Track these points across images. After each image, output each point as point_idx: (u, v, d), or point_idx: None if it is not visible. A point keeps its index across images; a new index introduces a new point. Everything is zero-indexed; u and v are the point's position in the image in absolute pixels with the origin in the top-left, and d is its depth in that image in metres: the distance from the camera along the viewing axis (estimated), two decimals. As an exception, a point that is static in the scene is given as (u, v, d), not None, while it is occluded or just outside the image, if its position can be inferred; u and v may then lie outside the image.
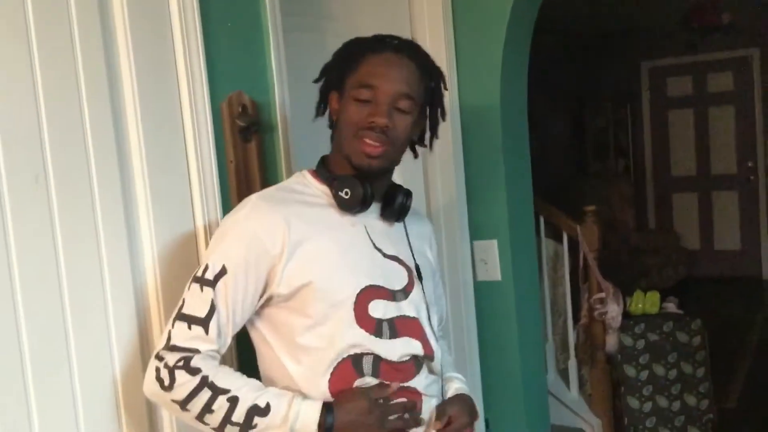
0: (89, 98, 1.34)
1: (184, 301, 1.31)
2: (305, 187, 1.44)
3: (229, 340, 1.33)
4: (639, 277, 6.05)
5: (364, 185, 1.38)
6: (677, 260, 6.84)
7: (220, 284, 1.29)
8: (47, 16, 1.27)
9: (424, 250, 1.56)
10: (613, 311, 3.47)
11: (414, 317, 1.43)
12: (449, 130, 2.41)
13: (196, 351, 1.28)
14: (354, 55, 1.41)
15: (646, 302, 3.64)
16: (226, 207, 1.54)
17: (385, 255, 1.43)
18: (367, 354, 1.35)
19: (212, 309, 1.29)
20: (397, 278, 1.43)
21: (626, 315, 3.57)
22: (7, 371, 1.19)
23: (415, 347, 1.41)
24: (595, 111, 7.42)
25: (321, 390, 1.33)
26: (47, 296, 1.25)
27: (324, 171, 1.44)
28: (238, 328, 1.35)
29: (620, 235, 6.54)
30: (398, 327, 1.39)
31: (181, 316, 1.30)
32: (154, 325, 1.45)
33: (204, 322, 1.28)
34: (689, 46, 6.90)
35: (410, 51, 1.43)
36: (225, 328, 1.31)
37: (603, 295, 3.48)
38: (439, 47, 2.38)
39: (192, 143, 1.54)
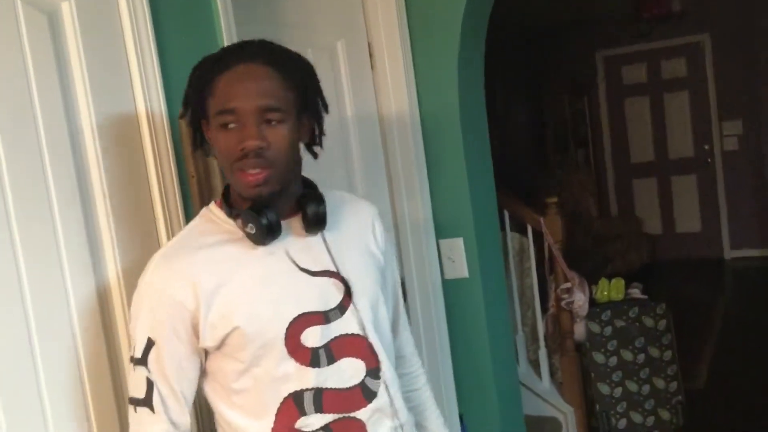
0: (45, 122, 1.33)
1: (129, 384, 1.30)
2: (213, 224, 1.32)
3: (184, 408, 1.28)
4: (604, 264, 6.14)
5: (266, 216, 1.25)
6: (640, 245, 6.95)
7: (150, 358, 1.24)
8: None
9: (366, 241, 1.44)
10: (580, 300, 3.53)
11: (355, 333, 1.33)
12: (409, 133, 2.44)
13: None
14: (207, 77, 1.26)
15: (611, 289, 3.71)
16: (190, 221, 1.54)
17: (313, 273, 1.31)
18: (308, 390, 1.28)
19: (149, 386, 1.24)
20: (331, 295, 1.32)
21: (592, 303, 3.64)
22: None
23: (356, 367, 1.32)
24: (554, 103, 7.50)
25: None
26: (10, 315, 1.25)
27: (226, 205, 1.33)
28: (190, 393, 1.29)
29: (583, 224, 6.63)
30: (334, 350, 1.30)
31: (130, 400, 1.28)
32: (122, 336, 1.45)
33: (146, 402, 1.25)
34: (642, 34, 7.02)
35: (264, 55, 1.26)
36: (170, 399, 1.25)
37: (569, 285, 3.53)
38: (395, 53, 2.41)
39: (152, 159, 1.55)
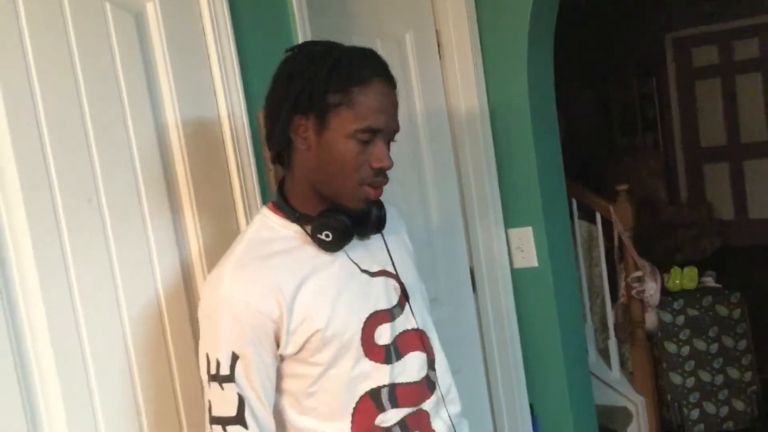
0: (134, 123, 1.39)
1: (210, 403, 1.23)
2: (272, 231, 1.30)
3: (273, 420, 1.27)
4: (674, 252, 6.01)
5: (348, 225, 1.27)
6: (711, 232, 6.79)
7: (238, 373, 1.21)
8: (91, 50, 1.32)
9: (405, 240, 1.50)
10: (651, 289, 3.47)
11: (414, 328, 1.38)
12: (478, 123, 2.44)
13: None
14: (339, 83, 1.23)
15: (684, 278, 3.64)
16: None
17: (372, 274, 1.34)
18: (384, 387, 1.31)
19: (241, 402, 1.21)
20: (391, 293, 1.36)
21: (664, 291, 3.57)
22: (71, 369, 1.24)
23: (421, 360, 1.37)
24: (621, 86, 7.36)
25: None
26: (104, 303, 1.31)
27: (288, 208, 1.30)
28: (273, 403, 1.28)
29: (653, 210, 6.50)
30: (400, 346, 1.34)
31: (214, 420, 1.23)
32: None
33: (238, 419, 1.21)
34: (712, 15, 6.82)
35: (390, 74, 1.29)
36: (261, 412, 1.24)
37: (640, 273, 3.48)
38: (464, 43, 2.40)
39: (232, 153, 1.59)
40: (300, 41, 1.82)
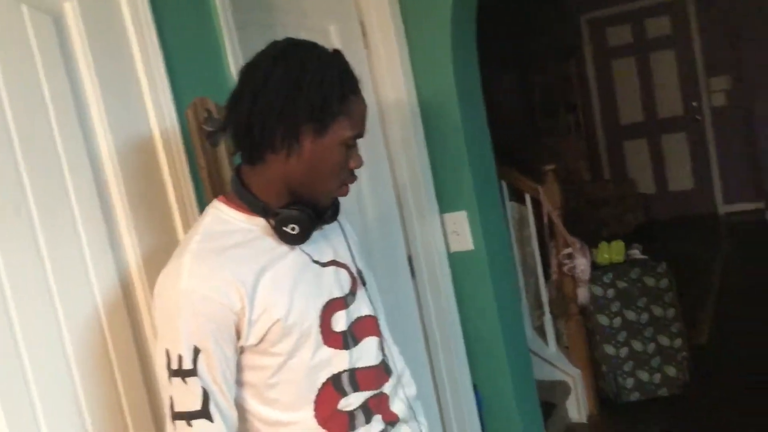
0: (59, 125, 1.35)
1: (172, 400, 1.21)
2: (227, 223, 1.30)
3: (236, 412, 1.26)
4: (600, 227, 6.19)
5: (314, 218, 1.30)
6: (635, 206, 7.01)
7: (200, 366, 1.20)
8: (10, 55, 1.27)
9: (349, 227, 1.52)
10: (582, 264, 3.57)
11: (367, 315, 1.41)
12: (407, 111, 2.46)
13: None
14: (339, 91, 1.26)
15: (612, 252, 3.75)
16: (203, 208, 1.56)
17: (323, 265, 1.36)
18: (344, 372, 1.33)
19: (206, 395, 1.20)
20: (344, 281, 1.39)
21: (594, 266, 3.68)
22: (7, 375, 1.20)
23: (376, 344, 1.41)
24: (540, 69, 7.51)
25: (308, 424, 1.30)
26: (41, 314, 1.28)
27: (251, 198, 1.30)
28: (234, 395, 1.28)
29: (578, 189, 6.67)
30: (356, 332, 1.37)
31: (177, 416, 1.21)
32: (145, 320, 1.47)
33: (203, 413, 1.20)
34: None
35: None
36: (225, 405, 1.23)
37: (570, 250, 3.57)
38: (388, 32, 2.42)
39: (162, 153, 1.57)
40: (225, 36, 1.80)
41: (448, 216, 2.56)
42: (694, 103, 7.21)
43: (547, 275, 3.77)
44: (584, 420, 3.61)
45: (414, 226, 2.51)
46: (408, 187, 2.49)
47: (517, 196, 3.78)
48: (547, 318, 3.71)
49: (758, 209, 6.93)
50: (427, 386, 2.54)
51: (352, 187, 1.38)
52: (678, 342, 3.67)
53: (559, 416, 3.49)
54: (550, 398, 3.51)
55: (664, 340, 3.66)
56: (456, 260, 2.58)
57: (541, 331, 3.78)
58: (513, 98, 7.38)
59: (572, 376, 3.63)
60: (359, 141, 1.35)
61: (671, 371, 3.65)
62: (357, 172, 1.37)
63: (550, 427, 3.32)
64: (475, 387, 2.62)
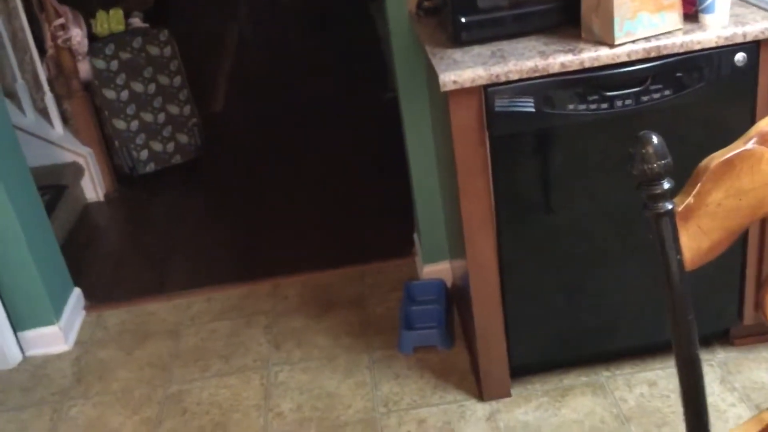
0: None
1: None
2: None
3: None
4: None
5: None
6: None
7: None
8: None
9: None
10: (78, 36, 3.33)
11: None
12: None
13: None
14: None
15: (111, 21, 3.54)
16: None
17: None
18: None
19: None
20: None
21: (93, 38, 3.46)
22: None
23: None
24: None
25: None
26: None
27: None
28: None
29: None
30: None
31: None
32: None
33: None
34: None
35: None
36: None
37: (62, 20, 3.29)
38: None
39: None
40: None
41: None
42: None
43: (43, 51, 3.44)
44: (101, 198, 3.53)
45: None
46: None
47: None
48: (49, 97, 3.43)
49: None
50: None
51: None
52: (187, 109, 3.72)
53: (72, 197, 3.36)
54: (61, 181, 3.35)
55: (173, 109, 3.68)
56: None
57: (45, 114, 3.50)
58: None
59: (84, 155, 3.48)
60: None
61: (183, 138, 3.72)
62: None
63: (62, 208, 3.19)
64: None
